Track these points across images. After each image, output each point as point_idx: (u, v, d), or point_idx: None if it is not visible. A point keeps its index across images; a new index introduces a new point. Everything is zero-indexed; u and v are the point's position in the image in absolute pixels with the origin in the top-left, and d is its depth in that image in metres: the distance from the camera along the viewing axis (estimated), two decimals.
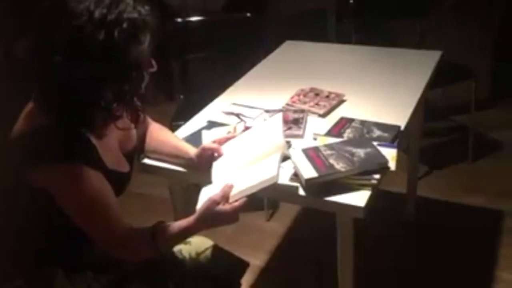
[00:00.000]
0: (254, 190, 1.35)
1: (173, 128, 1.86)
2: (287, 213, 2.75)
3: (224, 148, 1.55)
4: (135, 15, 1.22)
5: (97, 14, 1.18)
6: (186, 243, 1.51)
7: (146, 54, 1.28)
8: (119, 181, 1.39)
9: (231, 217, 1.32)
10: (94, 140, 1.31)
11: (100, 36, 1.17)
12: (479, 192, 2.77)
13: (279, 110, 1.57)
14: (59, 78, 1.21)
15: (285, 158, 1.53)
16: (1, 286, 1.40)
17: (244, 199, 1.33)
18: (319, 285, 2.25)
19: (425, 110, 2.43)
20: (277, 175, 1.36)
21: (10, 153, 1.31)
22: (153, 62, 1.33)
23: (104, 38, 1.18)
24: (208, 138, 1.65)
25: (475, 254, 2.40)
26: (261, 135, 1.56)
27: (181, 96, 2.91)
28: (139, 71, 1.28)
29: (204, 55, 3.03)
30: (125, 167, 1.45)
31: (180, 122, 1.93)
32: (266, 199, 2.64)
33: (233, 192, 1.36)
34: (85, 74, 1.19)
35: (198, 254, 1.54)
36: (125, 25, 1.20)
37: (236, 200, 1.34)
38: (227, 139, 1.57)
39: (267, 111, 1.86)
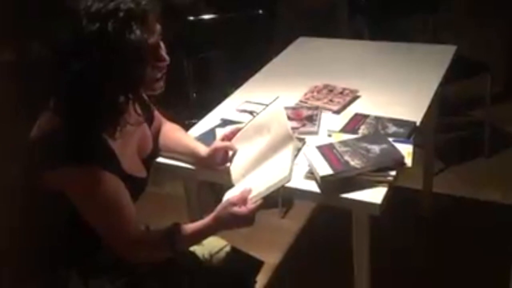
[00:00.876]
0: (269, 192, 1.34)
1: (187, 126, 1.85)
2: (302, 211, 2.74)
3: (235, 144, 1.54)
4: (132, 5, 1.22)
5: (93, 8, 1.20)
6: (199, 244, 1.50)
7: (148, 45, 1.25)
8: (136, 186, 1.39)
9: (246, 218, 1.31)
10: (113, 145, 1.31)
11: (94, 27, 1.18)
12: (495, 187, 2.74)
13: (276, 98, 1.54)
14: (65, 74, 1.22)
15: (297, 150, 1.51)
16: (17, 286, 1.41)
17: (259, 201, 1.32)
18: (335, 282, 2.23)
19: (440, 105, 2.41)
20: (289, 174, 1.34)
21: (28, 155, 1.32)
22: (164, 55, 1.32)
23: (97, 28, 1.18)
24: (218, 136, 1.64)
25: (492, 249, 2.37)
26: (267, 124, 1.52)
27: (194, 95, 2.91)
28: (141, 62, 1.25)
29: (217, 53, 3.03)
30: (142, 173, 1.45)
31: (194, 121, 1.93)
32: (280, 197, 2.63)
33: (250, 195, 1.35)
34: (84, 65, 1.19)
35: (211, 255, 1.54)
36: (121, 14, 1.20)
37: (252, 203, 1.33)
38: (233, 133, 1.55)
39: None
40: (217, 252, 1.55)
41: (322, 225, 2.62)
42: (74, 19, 1.20)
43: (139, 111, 1.36)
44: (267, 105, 1.55)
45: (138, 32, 1.21)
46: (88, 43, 1.19)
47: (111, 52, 1.19)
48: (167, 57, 1.33)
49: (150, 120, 1.55)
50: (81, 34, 1.19)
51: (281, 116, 1.50)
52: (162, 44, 1.33)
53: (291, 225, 2.67)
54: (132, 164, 1.39)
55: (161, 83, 1.35)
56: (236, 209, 1.31)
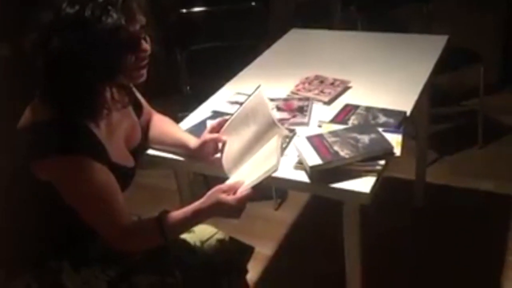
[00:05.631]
0: (258, 182, 1.34)
1: (180, 119, 1.86)
2: (296, 202, 2.75)
3: (223, 135, 1.53)
4: None
5: None
6: (189, 232, 1.51)
7: (127, 32, 1.26)
8: (124, 176, 1.40)
9: (233, 207, 1.31)
10: (98, 134, 1.32)
11: (72, 10, 1.21)
12: (489, 177, 2.75)
13: (258, 87, 1.55)
14: (45, 55, 1.23)
15: (285, 137, 1.52)
16: (9, 282, 1.41)
17: (248, 191, 1.32)
18: (328, 273, 2.24)
19: (434, 95, 2.41)
20: (277, 163, 1.35)
21: (16, 146, 1.32)
22: (145, 45, 1.32)
23: (75, 12, 1.21)
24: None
25: (485, 239, 2.38)
26: (252, 114, 1.52)
27: (188, 87, 2.91)
28: (118, 48, 1.25)
29: (210, 46, 3.02)
30: (130, 162, 1.46)
31: (186, 113, 1.93)
32: (274, 188, 2.64)
33: (241, 188, 1.35)
34: (62, 46, 1.21)
35: (202, 242, 1.54)
36: (100, 0, 1.22)
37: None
38: (220, 124, 1.55)
39: (271, 99, 1.85)
40: (208, 239, 1.55)
41: (316, 216, 2.63)
42: (56, 3, 1.22)
43: (116, 97, 1.36)
44: (249, 95, 1.55)
45: (115, 16, 1.22)
46: (65, 25, 1.20)
47: (87, 36, 1.20)
48: (148, 47, 1.33)
49: (138, 110, 1.56)
50: (58, 15, 1.21)
51: (264, 105, 1.50)
52: (147, 36, 1.33)
53: (285, 216, 2.68)
54: (119, 153, 1.40)
55: (142, 73, 1.35)
56: (224, 196, 1.32)
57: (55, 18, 1.22)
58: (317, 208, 2.68)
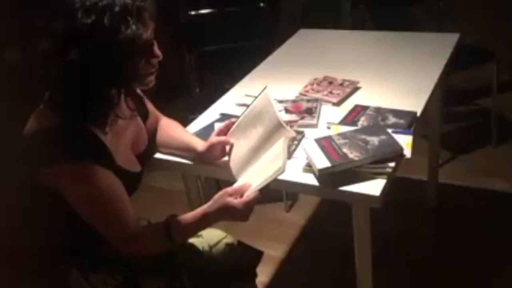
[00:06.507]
0: (264, 184, 1.32)
1: (190, 121, 1.85)
2: (307, 204, 2.73)
3: (230, 138, 1.52)
4: (128, 1, 1.23)
5: (89, 1, 1.20)
6: (197, 236, 1.50)
7: (143, 40, 1.26)
8: (130, 181, 1.39)
9: (240, 211, 1.29)
10: (104, 140, 1.32)
11: (89, 20, 1.19)
12: (502, 176, 2.70)
13: (264, 88, 1.54)
14: (59, 65, 1.22)
15: (292, 139, 1.51)
16: (19, 283, 1.41)
17: (254, 194, 1.31)
18: (340, 275, 2.22)
19: (447, 94, 2.37)
20: (283, 165, 1.33)
21: (21, 153, 1.32)
22: (157, 51, 1.33)
23: (93, 21, 1.19)
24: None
25: (499, 239, 2.35)
26: (258, 116, 1.50)
27: (197, 90, 2.90)
28: (135, 57, 1.26)
29: (219, 48, 3.01)
30: (136, 167, 1.45)
31: (195, 116, 1.92)
32: (284, 190, 2.62)
33: (248, 191, 1.33)
34: (79, 57, 1.20)
35: (210, 246, 1.53)
36: (117, 9, 1.21)
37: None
38: (227, 127, 1.53)
39: (280, 101, 1.84)
40: (216, 243, 1.54)
41: (328, 218, 2.60)
42: (69, 12, 1.20)
43: (131, 105, 1.36)
44: (256, 97, 1.54)
45: (134, 27, 1.22)
46: (82, 35, 1.19)
47: (106, 46, 1.20)
48: (160, 54, 1.34)
49: (144, 115, 1.55)
50: (74, 24, 1.19)
51: (270, 106, 1.48)
52: (155, 41, 1.33)
53: (296, 218, 2.66)
54: (125, 159, 1.39)
55: (153, 78, 1.36)
56: (230, 199, 1.30)
57: (70, 27, 1.20)
58: (328, 210, 2.66)
